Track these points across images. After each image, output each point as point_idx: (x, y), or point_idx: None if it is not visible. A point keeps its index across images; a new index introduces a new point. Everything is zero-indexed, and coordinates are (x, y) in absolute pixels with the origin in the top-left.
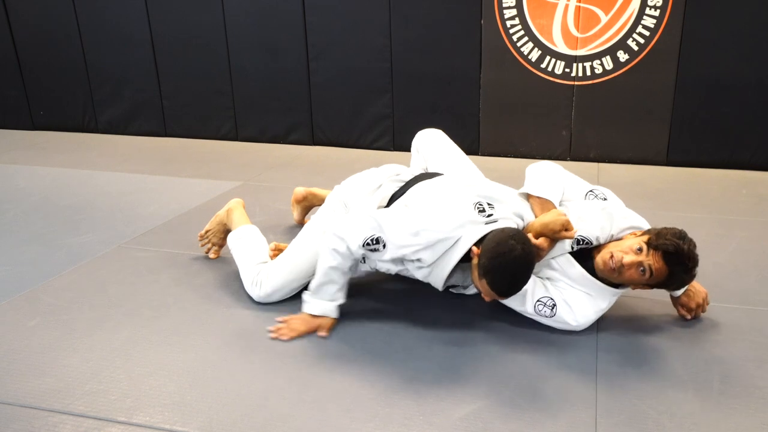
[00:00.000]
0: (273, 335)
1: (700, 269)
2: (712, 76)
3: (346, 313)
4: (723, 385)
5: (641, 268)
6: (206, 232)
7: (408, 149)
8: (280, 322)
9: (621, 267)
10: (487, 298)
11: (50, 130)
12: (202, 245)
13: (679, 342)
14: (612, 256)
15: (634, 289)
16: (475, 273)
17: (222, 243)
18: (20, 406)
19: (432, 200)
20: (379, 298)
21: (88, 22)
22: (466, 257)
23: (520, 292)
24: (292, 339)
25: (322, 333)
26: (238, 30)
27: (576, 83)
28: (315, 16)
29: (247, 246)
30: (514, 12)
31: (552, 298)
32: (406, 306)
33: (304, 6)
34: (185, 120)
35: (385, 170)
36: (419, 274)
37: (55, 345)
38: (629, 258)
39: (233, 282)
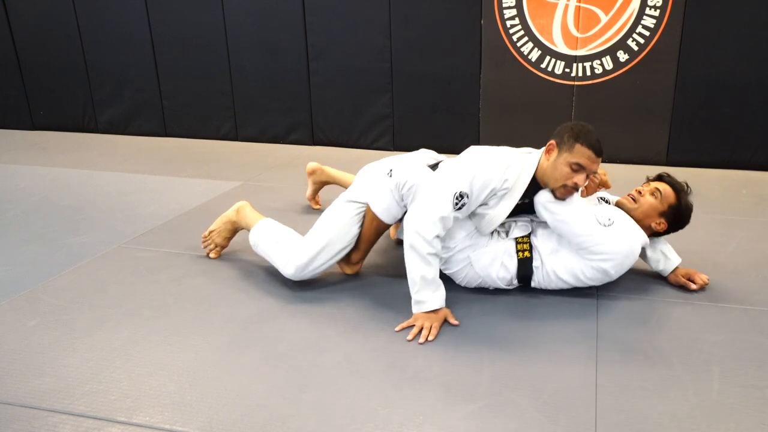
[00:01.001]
0: (420, 340)
1: (701, 269)
2: (712, 76)
3: (351, 311)
4: (723, 385)
5: (654, 194)
6: (210, 232)
7: (407, 149)
8: (405, 328)
9: (639, 194)
10: (580, 181)
11: (50, 130)
12: (205, 246)
13: (679, 342)
14: (629, 194)
15: (656, 227)
16: (563, 156)
17: (225, 244)
18: (20, 406)
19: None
20: (379, 298)
21: (88, 22)
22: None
23: (578, 206)
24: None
25: (454, 321)
26: (238, 30)
27: (576, 83)
28: (315, 16)
29: (274, 233)
30: (514, 12)
31: (608, 215)
32: (407, 306)
33: (304, 6)
34: (185, 120)
35: (419, 151)
36: (486, 211)
37: (55, 345)
38: (643, 188)
39: (234, 282)
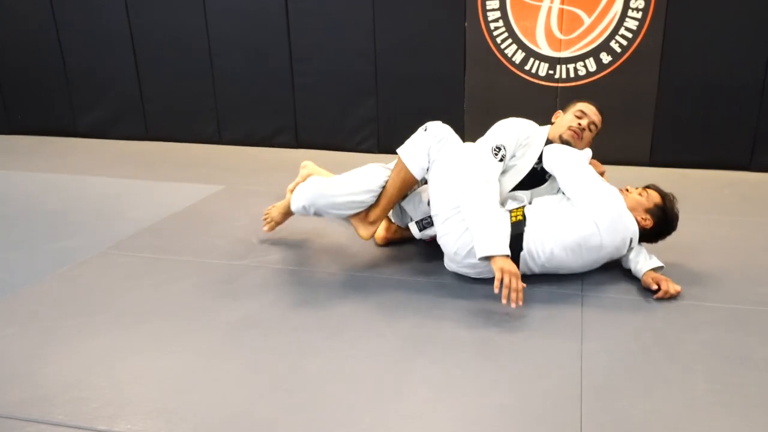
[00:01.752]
0: (513, 304)
1: (686, 268)
2: (694, 77)
3: (337, 314)
4: (708, 384)
5: (641, 194)
6: (272, 207)
7: (393, 152)
8: (501, 288)
9: (626, 191)
10: (584, 123)
11: (28, 135)
12: (264, 218)
13: (665, 342)
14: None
15: (641, 222)
16: (569, 111)
17: (280, 220)
18: None
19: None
20: (369, 299)
21: (67, 24)
22: (534, 182)
23: (583, 158)
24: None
25: (521, 284)
26: (221, 32)
27: (560, 85)
28: (299, 19)
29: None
30: (497, 14)
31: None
32: (397, 308)
33: (287, 8)
34: (167, 123)
35: None
36: (514, 162)
37: (35, 353)
38: (630, 188)
39: (218, 287)
